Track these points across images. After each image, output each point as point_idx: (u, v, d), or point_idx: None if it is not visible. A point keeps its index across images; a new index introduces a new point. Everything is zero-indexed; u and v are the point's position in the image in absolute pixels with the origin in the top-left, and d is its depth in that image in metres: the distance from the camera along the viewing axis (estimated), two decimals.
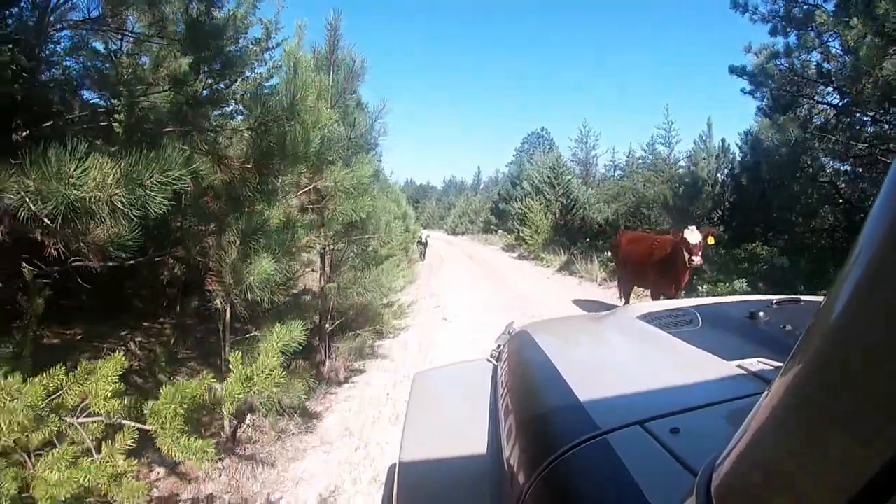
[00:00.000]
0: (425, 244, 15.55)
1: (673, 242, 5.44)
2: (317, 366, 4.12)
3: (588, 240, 15.81)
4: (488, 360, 1.42)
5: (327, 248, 3.90)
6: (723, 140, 18.98)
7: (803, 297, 1.55)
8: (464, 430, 1.07)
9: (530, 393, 1.01)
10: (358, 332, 4.12)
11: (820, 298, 0.89)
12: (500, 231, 28.09)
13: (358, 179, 3.37)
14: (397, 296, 5.92)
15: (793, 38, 8.76)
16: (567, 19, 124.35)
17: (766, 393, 0.36)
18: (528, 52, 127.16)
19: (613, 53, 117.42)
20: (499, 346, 1.44)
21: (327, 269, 3.87)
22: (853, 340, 0.28)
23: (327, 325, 4.08)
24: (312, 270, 4.37)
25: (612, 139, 68.62)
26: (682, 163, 19.16)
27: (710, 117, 18.41)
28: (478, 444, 0.99)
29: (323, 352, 4.04)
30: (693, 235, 5.13)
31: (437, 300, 8.32)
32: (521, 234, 16.42)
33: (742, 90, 11.53)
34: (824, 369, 0.30)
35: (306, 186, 3.49)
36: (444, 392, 1.38)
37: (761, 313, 1.27)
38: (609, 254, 11.91)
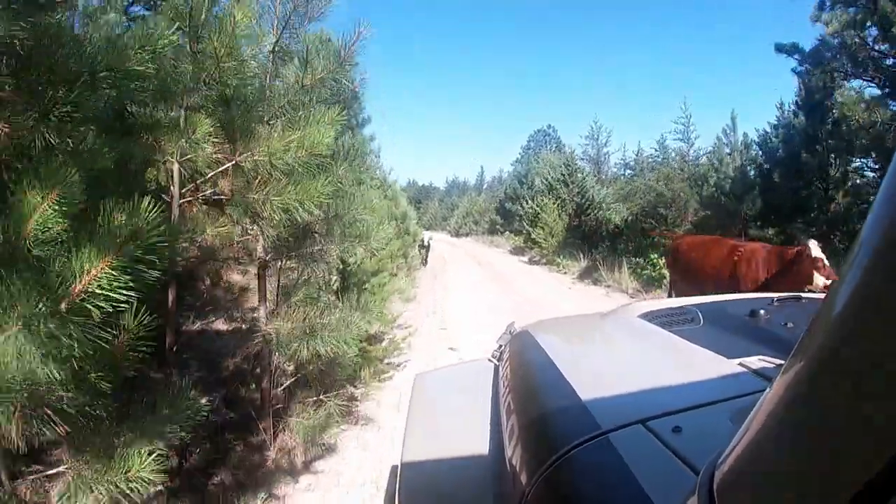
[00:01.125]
0: (427, 247, 14.09)
1: (783, 255, 3.93)
2: (259, 450, 2.64)
3: (608, 243, 14.35)
4: (489, 360, 1.40)
5: (270, 268, 2.42)
6: (745, 134, 17.68)
7: (804, 295, 1.55)
8: (465, 431, 1.05)
9: (532, 393, 1.00)
10: (322, 396, 2.65)
11: (821, 296, 0.75)
12: (506, 233, 26.57)
13: (308, 149, 1.90)
14: (390, 324, 4.43)
15: (838, 11, 7.34)
16: (568, 15, 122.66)
17: (767, 391, 0.35)
18: (530, 50, 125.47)
19: (617, 49, 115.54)
20: (500, 345, 1.43)
21: (268, 301, 2.39)
22: (855, 337, 0.27)
23: (274, 387, 2.61)
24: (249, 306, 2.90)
25: (620, 137, 66.89)
26: (703, 159, 17.61)
27: (735, 110, 16.94)
28: (479, 444, 0.98)
29: (268, 431, 2.57)
30: (818, 250, 3.65)
31: (441, 318, 6.84)
32: (533, 237, 14.92)
33: (793, 70, 10.02)
34: (826, 367, 0.30)
35: (224, 164, 2.03)
36: (446, 392, 1.35)
37: (762, 311, 1.26)
38: (639, 260, 10.46)
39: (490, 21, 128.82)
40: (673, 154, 17.47)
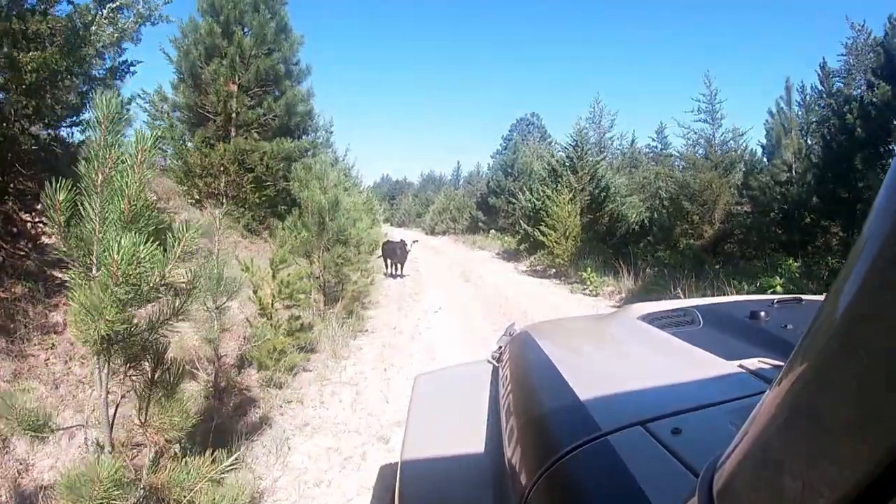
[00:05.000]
0: (393, 256, 9.89)
1: None
2: None
3: (642, 245, 10.51)
4: (489, 362, 1.40)
5: None
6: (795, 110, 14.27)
7: (804, 297, 1.55)
8: (465, 432, 1.05)
9: (531, 394, 1.00)
10: None
11: (821, 298, 0.70)
12: (491, 231, 22.54)
13: None
14: None
15: None
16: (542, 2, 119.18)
17: (767, 393, 0.35)
18: (506, 35, 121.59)
19: (603, 34, 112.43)
20: (500, 347, 1.42)
21: None
22: (856, 339, 0.27)
23: None
24: None
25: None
26: (733, 142, 13.86)
27: (790, 79, 13.37)
28: (479, 446, 0.98)
29: None
30: None
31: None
32: (540, 239, 10.84)
33: None
34: (827, 368, 0.29)
35: None
36: (446, 393, 1.35)
37: (762, 313, 1.25)
38: (743, 282, 6.63)
39: (462, 8, 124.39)
40: (683, 138, 13.55)
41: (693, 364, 0.97)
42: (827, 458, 0.28)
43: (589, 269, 8.50)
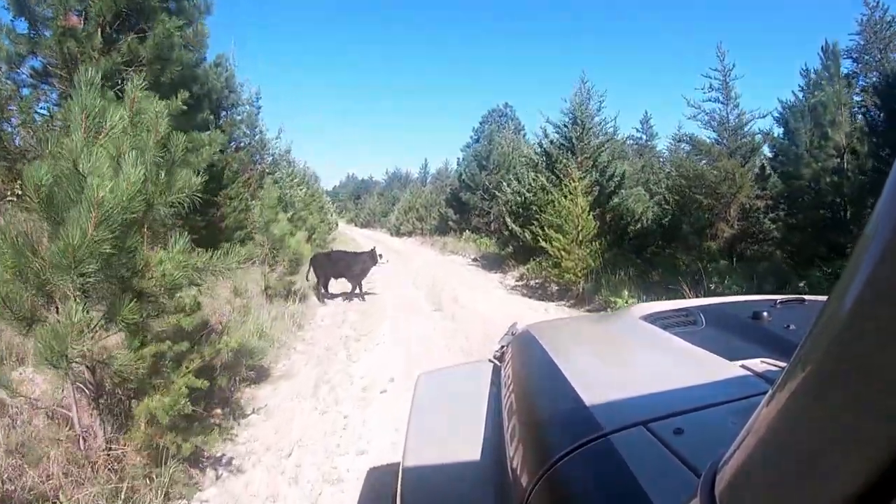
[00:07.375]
0: (323, 268, 6.76)
1: None
2: None
3: (695, 251, 7.80)
4: (491, 361, 1.39)
5: None
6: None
7: (807, 297, 1.53)
8: (467, 431, 1.04)
9: (534, 393, 0.99)
10: None
11: (823, 298, 0.68)
12: (465, 232, 19.51)
13: None
14: None
15: None
16: None
17: (769, 393, 0.35)
18: (473, 28, 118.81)
19: (575, 23, 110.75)
20: (502, 346, 1.41)
21: None
22: (859, 339, 0.27)
23: None
24: None
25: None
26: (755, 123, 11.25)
27: (837, 42, 10.90)
28: (481, 445, 0.98)
29: None
30: None
31: None
32: (542, 244, 7.81)
33: None
34: (829, 369, 0.29)
35: None
36: (448, 393, 1.34)
37: (765, 313, 1.24)
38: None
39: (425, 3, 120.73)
40: (695, 120, 10.86)
41: (695, 364, 0.97)
42: (829, 459, 0.27)
43: (626, 293, 5.59)
